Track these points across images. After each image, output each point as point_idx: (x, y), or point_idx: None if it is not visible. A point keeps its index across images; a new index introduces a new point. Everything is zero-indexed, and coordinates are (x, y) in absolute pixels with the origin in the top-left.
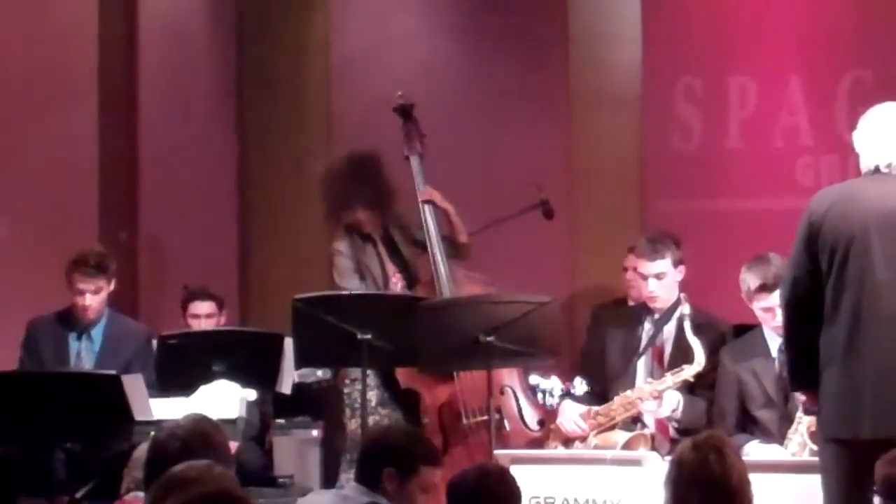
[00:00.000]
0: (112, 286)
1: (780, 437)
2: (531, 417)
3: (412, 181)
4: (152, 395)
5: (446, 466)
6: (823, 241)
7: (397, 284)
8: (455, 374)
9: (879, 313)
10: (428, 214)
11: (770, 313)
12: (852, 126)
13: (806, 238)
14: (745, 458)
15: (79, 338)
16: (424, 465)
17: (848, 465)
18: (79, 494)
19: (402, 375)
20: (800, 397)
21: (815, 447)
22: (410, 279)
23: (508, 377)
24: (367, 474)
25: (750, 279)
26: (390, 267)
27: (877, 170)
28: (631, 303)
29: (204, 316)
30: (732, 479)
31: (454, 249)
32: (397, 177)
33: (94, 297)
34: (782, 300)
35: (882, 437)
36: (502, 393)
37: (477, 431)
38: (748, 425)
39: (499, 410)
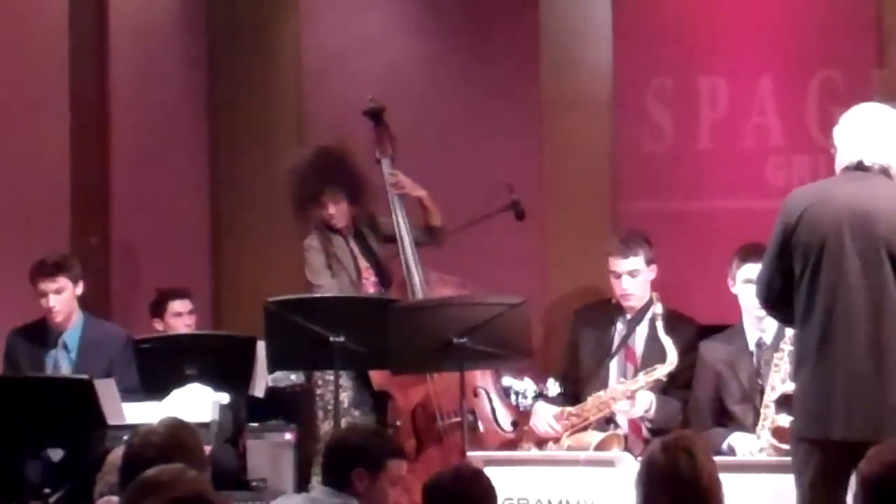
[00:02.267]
0: (79, 288)
1: (753, 432)
2: (505, 419)
3: (383, 184)
4: (131, 399)
5: (421, 468)
6: (798, 242)
7: (369, 279)
8: (429, 375)
9: (851, 315)
10: (398, 210)
11: (751, 283)
12: (823, 126)
13: (781, 239)
14: (729, 452)
15: (54, 347)
16: (391, 458)
17: (820, 465)
18: (52, 500)
19: (376, 377)
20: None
21: (780, 445)
22: (383, 276)
23: (482, 379)
24: (334, 476)
25: (735, 256)
26: (362, 262)
27: (858, 165)
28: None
29: (186, 313)
30: (702, 480)
31: (429, 236)
32: (369, 175)
33: (57, 298)
34: (759, 300)
35: (853, 439)
36: (476, 395)
37: (451, 433)
38: (723, 420)
39: (473, 412)
